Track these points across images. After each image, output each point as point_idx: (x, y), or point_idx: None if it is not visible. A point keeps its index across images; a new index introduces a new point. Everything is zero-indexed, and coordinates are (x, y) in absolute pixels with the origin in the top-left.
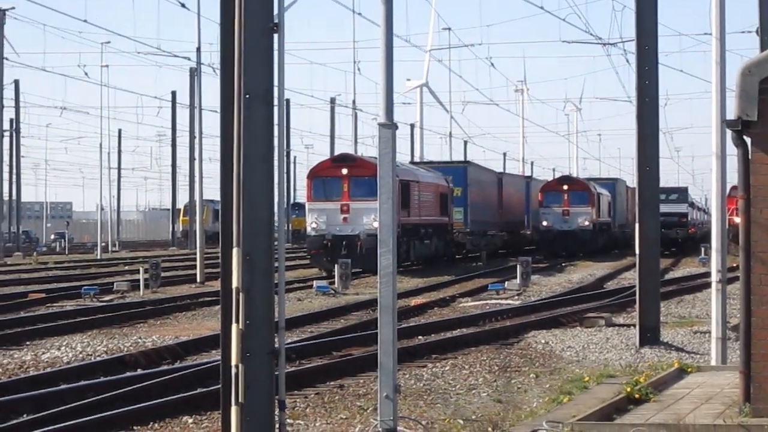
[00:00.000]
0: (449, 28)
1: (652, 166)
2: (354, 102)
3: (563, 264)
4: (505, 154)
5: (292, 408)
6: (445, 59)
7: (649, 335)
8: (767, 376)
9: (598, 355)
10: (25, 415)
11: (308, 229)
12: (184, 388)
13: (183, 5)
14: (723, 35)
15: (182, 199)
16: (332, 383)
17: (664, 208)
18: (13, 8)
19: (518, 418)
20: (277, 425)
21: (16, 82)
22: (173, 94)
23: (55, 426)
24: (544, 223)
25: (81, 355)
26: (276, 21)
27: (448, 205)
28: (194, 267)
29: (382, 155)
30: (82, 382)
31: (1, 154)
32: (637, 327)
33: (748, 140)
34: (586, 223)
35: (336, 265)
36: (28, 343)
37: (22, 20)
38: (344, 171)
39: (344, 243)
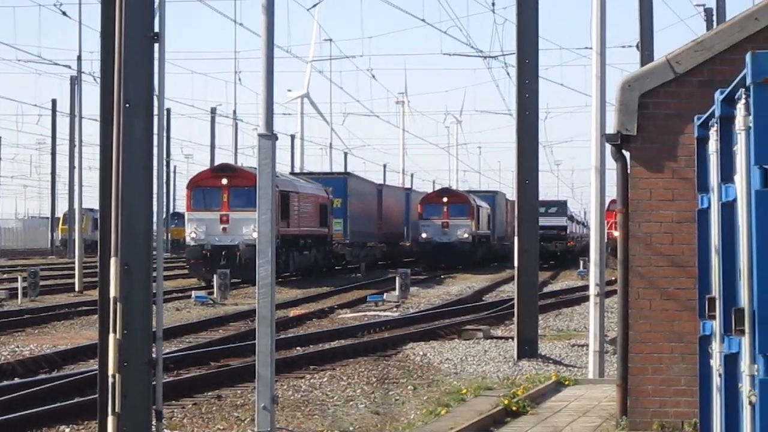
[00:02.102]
0: (330, 40)
1: (532, 180)
2: (234, 112)
3: (442, 276)
4: (385, 166)
5: (169, 418)
6: (326, 70)
7: (527, 348)
8: (644, 389)
9: (476, 368)
10: None
11: (187, 239)
12: (62, 398)
13: (64, 13)
14: (603, 49)
15: (62, 208)
16: (210, 393)
17: (543, 221)
18: None
19: (396, 429)
20: None
21: None
22: (53, 102)
23: None
24: (424, 235)
25: None
26: (156, 30)
27: (328, 216)
28: (73, 276)
29: (262, 166)
30: None
31: None
32: (515, 340)
33: (627, 154)
34: (466, 235)
35: (215, 276)
36: None
37: None
38: (224, 181)
39: (223, 253)
